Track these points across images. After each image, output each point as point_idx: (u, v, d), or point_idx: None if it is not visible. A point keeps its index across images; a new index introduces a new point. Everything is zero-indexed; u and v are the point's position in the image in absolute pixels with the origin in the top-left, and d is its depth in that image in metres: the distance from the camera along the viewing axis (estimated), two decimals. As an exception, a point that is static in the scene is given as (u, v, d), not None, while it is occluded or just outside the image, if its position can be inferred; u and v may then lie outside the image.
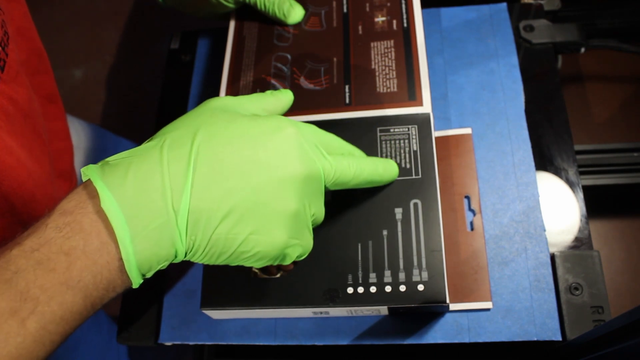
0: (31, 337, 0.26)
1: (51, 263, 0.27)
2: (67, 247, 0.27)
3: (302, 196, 0.33)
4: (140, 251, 0.29)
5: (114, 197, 0.28)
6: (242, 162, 0.31)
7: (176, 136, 0.31)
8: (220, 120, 0.32)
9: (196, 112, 0.34)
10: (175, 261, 0.31)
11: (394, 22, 0.48)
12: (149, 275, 0.31)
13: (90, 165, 0.30)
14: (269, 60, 0.48)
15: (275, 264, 0.34)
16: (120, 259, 0.29)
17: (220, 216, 0.30)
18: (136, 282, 0.30)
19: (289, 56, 0.48)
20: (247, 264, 0.33)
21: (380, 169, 0.39)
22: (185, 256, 0.31)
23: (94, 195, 0.29)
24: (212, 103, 0.35)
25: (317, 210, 0.35)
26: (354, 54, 0.47)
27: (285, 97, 0.38)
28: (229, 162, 0.31)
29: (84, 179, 0.30)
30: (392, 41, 0.47)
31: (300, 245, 0.34)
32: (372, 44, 0.47)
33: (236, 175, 0.30)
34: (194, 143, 0.30)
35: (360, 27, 0.48)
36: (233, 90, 0.47)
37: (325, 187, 0.36)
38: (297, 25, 0.50)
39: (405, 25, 0.47)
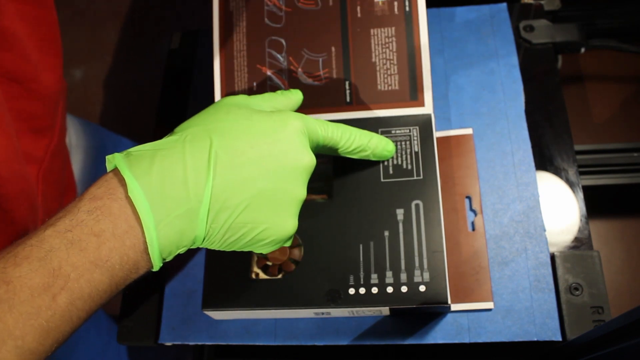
0: (60, 311, 0.28)
1: (82, 243, 0.29)
2: (98, 229, 0.29)
3: (306, 183, 0.35)
4: (163, 237, 0.31)
5: (140, 187, 0.30)
6: (257, 154, 0.33)
7: (196, 131, 0.33)
8: (235, 116, 0.35)
9: (213, 108, 0.36)
10: (192, 247, 0.33)
11: (395, 4, 0.45)
12: (168, 259, 0.33)
13: (116, 155, 0.32)
14: (262, 46, 0.46)
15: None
16: (145, 242, 0.31)
17: (242, 206, 0.32)
18: (157, 265, 0.32)
19: (283, 42, 0.46)
20: (256, 250, 0.35)
21: (371, 142, 0.41)
22: (202, 242, 0.33)
23: (122, 182, 0.31)
24: (227, 100, 0.37)
25: None
26: (352, 44, 0.45)
27: (294, 97, 0.41)
28: (246, 154, 0.33)
29: (108, 167, 0.32)
30: (392, 29, 0.45)
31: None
32: (371, 32, 0.45)
33: (253, 165, 0.33)
34: (213, 137, 0.33)
35: (358, 9, 0.46)
36: (229, 84, 0.46)
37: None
38: (290, 3, 0.46)
39: (407, 9, 0.45)
